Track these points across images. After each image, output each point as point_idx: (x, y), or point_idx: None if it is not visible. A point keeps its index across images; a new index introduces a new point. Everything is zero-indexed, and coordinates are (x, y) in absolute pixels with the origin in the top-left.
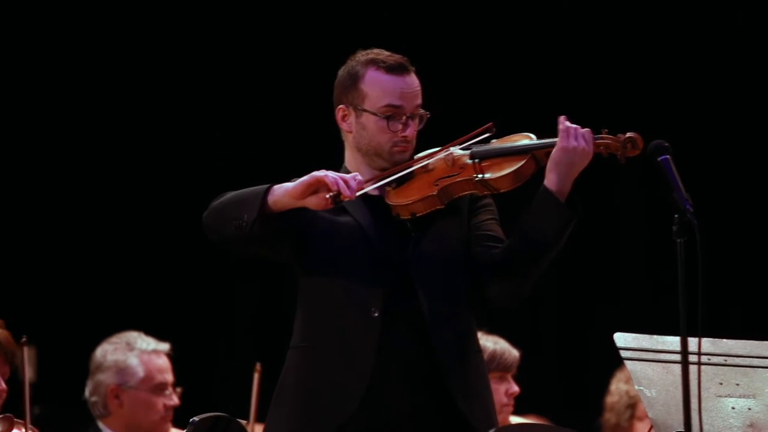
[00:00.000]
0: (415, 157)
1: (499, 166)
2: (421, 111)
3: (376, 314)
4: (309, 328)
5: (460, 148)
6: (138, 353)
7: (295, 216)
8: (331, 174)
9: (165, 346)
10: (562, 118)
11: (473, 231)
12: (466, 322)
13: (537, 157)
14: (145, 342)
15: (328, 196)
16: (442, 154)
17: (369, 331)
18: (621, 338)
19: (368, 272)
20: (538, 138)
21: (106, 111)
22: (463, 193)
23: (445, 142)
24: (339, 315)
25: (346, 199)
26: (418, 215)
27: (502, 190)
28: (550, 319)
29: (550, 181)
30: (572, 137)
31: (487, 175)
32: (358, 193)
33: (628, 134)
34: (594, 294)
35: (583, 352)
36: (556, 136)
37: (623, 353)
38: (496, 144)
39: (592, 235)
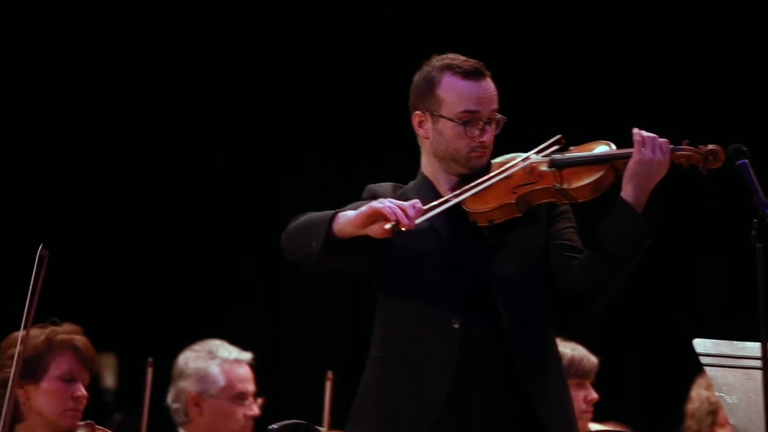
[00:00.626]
0: (494, 162)
1: (579, 176)
2: (498, 116)
3: (457, 326)
4: (388, 338)
5: (539, 156)
6: (220, 362)
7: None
8: (388, 204)
9: (247, 356)
10: (636, 130)
11: (552, 240)
12: (546, 330)
13: (616, 167)
14: (227, 351)
15: (387, 226)
16: (519, 162)
17: (450, 341)
18: (701, 344)
19: (447, 282)
20: (618, 147)
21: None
22: (542, 201)
23: (511, 150)
24: (419, 326)
25: (406, 228)
26: (495, 223)
27: (581, 200)
28: (628, 325)
29: (626, 192)
30: (648, 148)
31: (566, 185)
32: (418, 221)
33: (710, 147)
34: (673, 299)
35: (662, 358)
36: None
37: (703, 359)
38: (575, 152)
39: (671, 240)
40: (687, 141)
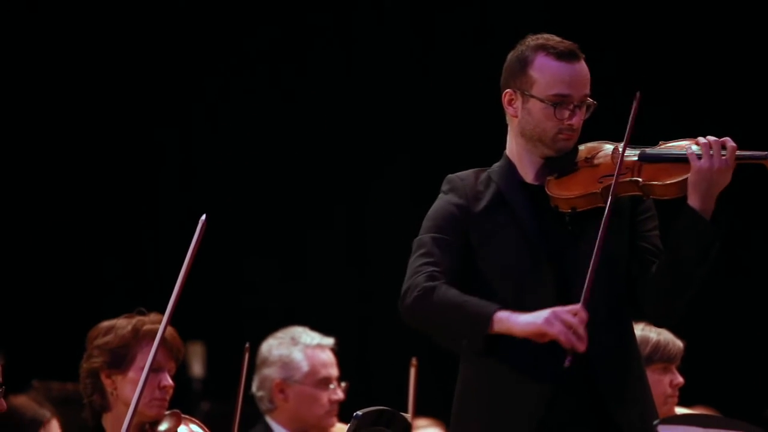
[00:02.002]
0: (581, 147)
1: (667, 173)
2: (589, 100)
3: (569, 364)
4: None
5: (630, 147)
6: (302, 348)
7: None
8: (560, 327)
9: (329, 341)
10: (692, 141)
11: (636, 239)
12: (625, 325)
13: None
14: (309, 337)
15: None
16: (609, 150)
17: (545, 345)
18: None
19: (534, 272)
20: None
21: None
22: (627, 194)
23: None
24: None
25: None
26: (578, 210)
27: (666, 198)
28: (714, 308)
29: (692, 201)
30: (705, 157)
31: (653, 180)
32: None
33: None
34: (760, 281)
35: (749, 341)
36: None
37: None
38: (665, 147)
39: (755, 222)
40: None
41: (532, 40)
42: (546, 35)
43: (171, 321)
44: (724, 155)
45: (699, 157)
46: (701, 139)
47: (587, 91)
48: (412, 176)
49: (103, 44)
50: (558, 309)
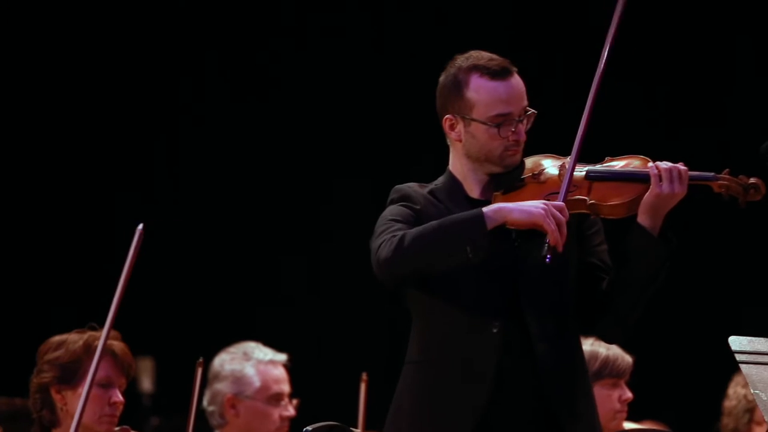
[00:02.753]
0: (527, 160)
1: (616, 191)
2: (529, 111)
3: (495, 330)
4: (426, 342)
5: (577, 162)
6: (255, 363)
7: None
8: (552, 222)
9: (282, 357)
10: (651, 164)
11: (584, 255)
12: (573, 340)
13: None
14: (262, 352)
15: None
16: (557, 167)
17: (489, 346)
18: (736, 341)
19: (482, 286)
20: (653, 160)
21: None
22: (573, 212)
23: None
24: (457, 330)
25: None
26: (522, 228)
27: (613, 218)
28: (663, 323)
29: (642, 220)
30: (666, 182)
31: (601, 200)
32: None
33: (752, 180)
34: (708, 296)
35: (698, 355)
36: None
37: (738, 357)
38: (613, 164)
39: (704, 237)
40: (728, 170)
41: (462, 61)
42: (475, 53)
43: (121, 336)
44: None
45: (660, 180)
46: (662, 165)
47: (525, 103)
48: (373, 196)
49: (93, 43)
50: (549, 203)
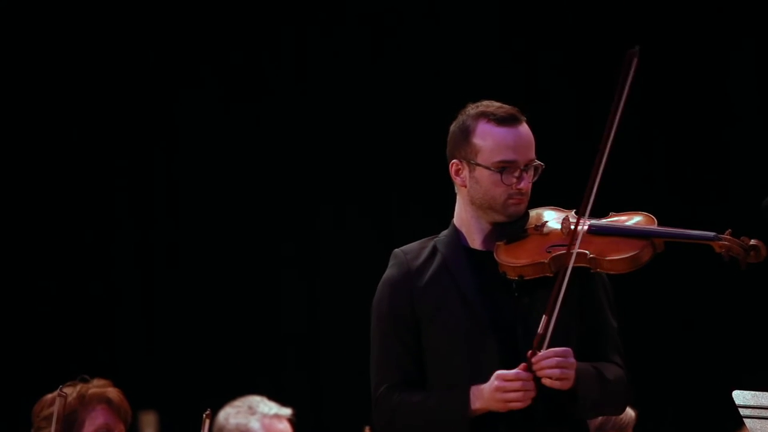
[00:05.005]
0: (531, 212)
1: (616, 247)
2: (536, 162)
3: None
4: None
5: (580, 216)
6: (260, 417)
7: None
8: (507, 402)
9: (287, 411)
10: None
11: (587, 320)
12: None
13: (655, 244)
14: (267, 406)
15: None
16: (560, 220)
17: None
18: (740, 396)
19: (480, 342)
20: (659, 223)
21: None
22: (575, 265)
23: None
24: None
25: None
26: (525, 278)
27: (614, 273)
28: (666, 377)
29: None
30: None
31: (601, 255)
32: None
33: (753, 242)
34: (711, 350)
35: (701, 410)
36: (679, 226)
37: (742, 411)
38: (615, 219)
39: (709, 286)
40: (731, 230)
41: (472, 109)
42: (485, 102)
43: (122, 386)
44: None
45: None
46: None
47: (532, 154)
48: (378, 236)
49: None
50: (499, 385)
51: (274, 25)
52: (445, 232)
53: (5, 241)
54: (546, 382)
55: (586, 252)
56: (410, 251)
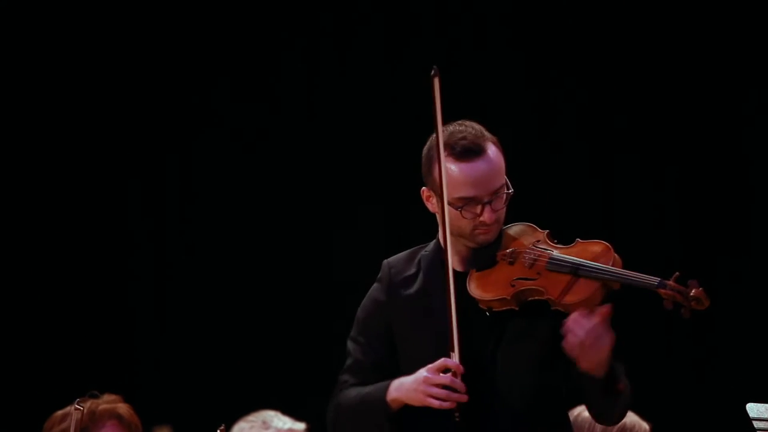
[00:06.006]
0: (511, 230)
1: (570, 288)
2: (503, 192)
3: (458, 418)
4: (403, 420)
5: (546, 245)
6: None
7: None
8: (435, 397)
9: (301, 426)
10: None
11: (558, 345)
12: (556, 426)
13: (609, 286)
14: (281, 421)
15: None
16: (528, 251)
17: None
18: (754, 409)
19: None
20: (618, 255)
21: None
22: (534, 299)
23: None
24: (423, 415)
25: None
26: (494, 310)
27: (571, 312)
28: (679, 389)
29: (582, 366)
30: (573, 334)
31: (556, 294)
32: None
33: (693, 292)
34: (724, 361)
35: (715, 422)
36: (637, 270)
37: (756, 424)
38: (576, 253)
39: (723, 302)
40: (678, 274)
41: (439, 133)
42: (453, 126)
43: (136, 402)
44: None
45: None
46: (578, 329)
47: (497, 184)
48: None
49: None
50: (428, 376)
51: (287, 26)
52: (430, 247)
53: (19, 257)
54: (570, 339)
55: (542, 289)
56: (396, 265)
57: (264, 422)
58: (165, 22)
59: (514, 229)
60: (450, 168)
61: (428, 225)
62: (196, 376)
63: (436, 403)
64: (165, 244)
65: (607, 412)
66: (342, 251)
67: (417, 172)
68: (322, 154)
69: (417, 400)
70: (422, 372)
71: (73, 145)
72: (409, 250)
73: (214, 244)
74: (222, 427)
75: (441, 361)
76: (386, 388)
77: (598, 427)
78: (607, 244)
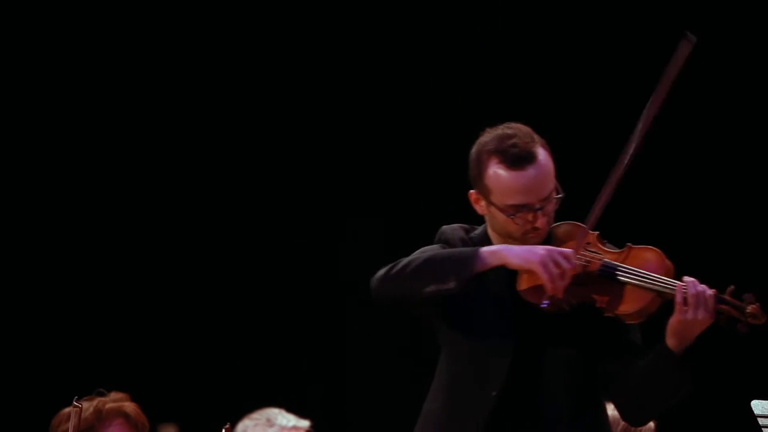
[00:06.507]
0: (557, 230)
1: (623, 297)
2: (553, 197)
3: (494, 393)
4: (434, 391)
5: (596, 248)
6: (278, 429)
7: None
8: (550, 271)
9: (305, 423)
10: (680, 287)
11: (614, 333)
12: (594, 418)
13: (665, 296)
14: (285, 418)
15: (543, 304)
16: (583, 253)
17: (481, 408)
18: (758, 405)
19: (493, 344)
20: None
21: None
22: (585, 303)
23: None
24: (460, 385)
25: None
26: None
27: (626, 322)
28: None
29: (670, 343)
30: (691, 309)
31: (608, 303)
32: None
33: (750, 308)
34: (728, 357)
35: (720, 419)
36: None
37: (761, 421)
38: (629, 260)
39: None
40: (733, 287)
41: (487, 139)
42: (501, 130)
43: (142, 400)
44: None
45: (685, 304)
46: (690, 290)
47: (548, 190)
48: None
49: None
50: (553, 249)
51: (295, 25)
52: (478, 232)
53: (26, 256)
54: (688, 315)
55: (595, 297)
56: (456, 230)
57: (268, 420)
58: (165, 22)
59: (563, 228)
60: (501, 175)
61: (429, 225)
62: (201, 375)
63: (546, 277)
64: (171, 243)
65: (673, 392)
66: (346, 251)
67: (418, 172)
68: (323, 155)
69: (529, 262)
70: (542, 247)
71: (78, 143)
72: (458, 227)
73: (220, 244)
74: (227, 426)
75: (568, 250)
76: (477, 248)
77: (620, 425)
78: (659, 250)
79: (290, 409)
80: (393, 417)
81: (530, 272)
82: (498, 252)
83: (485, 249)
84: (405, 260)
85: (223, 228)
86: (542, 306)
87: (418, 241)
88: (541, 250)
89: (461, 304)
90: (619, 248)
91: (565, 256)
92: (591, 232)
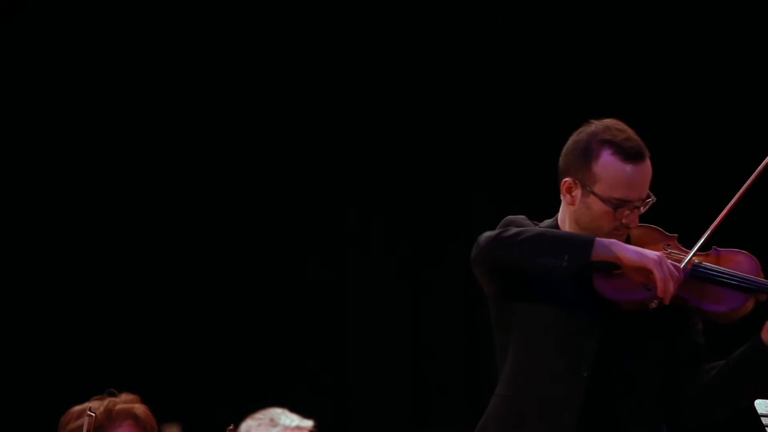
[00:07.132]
0: (637, 231)
1: (717, 297)
2: (649, 199)
3: (586, 374)
4: (515, 377)
5: (677, 250)
6: (281, 429)
7: None
8: (664, 271)
9: (308, 423)
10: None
11: (681, 342)
12: (658, 416)
13: (759, 298)
14: (288, 418)
15: (653, 305)
16: (673, 254)
17: (574, 390)
18: (763, 405)
19: (583, 326)
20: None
21: None
22: (677, 305)
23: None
24: (547, 368)
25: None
26: (620, 308)
27: (718, 322)
28: None
29: (765, 337)
30: None
31: (701, 303)
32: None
33: None
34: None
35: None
36: None
37: (765, 420)
38: (720, 263)
39: None
40: None
41: (598, 129)
42: (613, 125)
43: (145, 400)
44: None
45: None
46: None
47: (646, 192)
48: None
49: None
50: (665, 257)
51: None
52: (547, 225)
53: (26, 256)
54: None
55: (687, 297)
56: (523, 222)
57: (271, 420)
58: (165, 22)
59: (640, 230)
60: (615, 165)
61: (429, 224)
62: (205, 375)
63: (660, 276)
64: (175, 244)
65: (755, 388)
66: (351, 252)
67: (419, 172)
68: (326, 153)
69: (645, 259)
70: (656, 252)
71: (83, 144)
72: (525, 217)
73: (223, 245)
74: (231, 427)
75: (677, 264)
76: (594, 237)
77: None
78: (748, 253)
79: (293, 409)
80: (395, 417)
81: (637, 271)
82: (613, 245)
83: (601, 240)
84: (515, 228)
85: (227, 229)
86: (651, 306)
87: (420, 239)
88: (653, 253)
89: (551, 288)
90: (705, 251)
91: (677, 269)
92: (669, 234)
